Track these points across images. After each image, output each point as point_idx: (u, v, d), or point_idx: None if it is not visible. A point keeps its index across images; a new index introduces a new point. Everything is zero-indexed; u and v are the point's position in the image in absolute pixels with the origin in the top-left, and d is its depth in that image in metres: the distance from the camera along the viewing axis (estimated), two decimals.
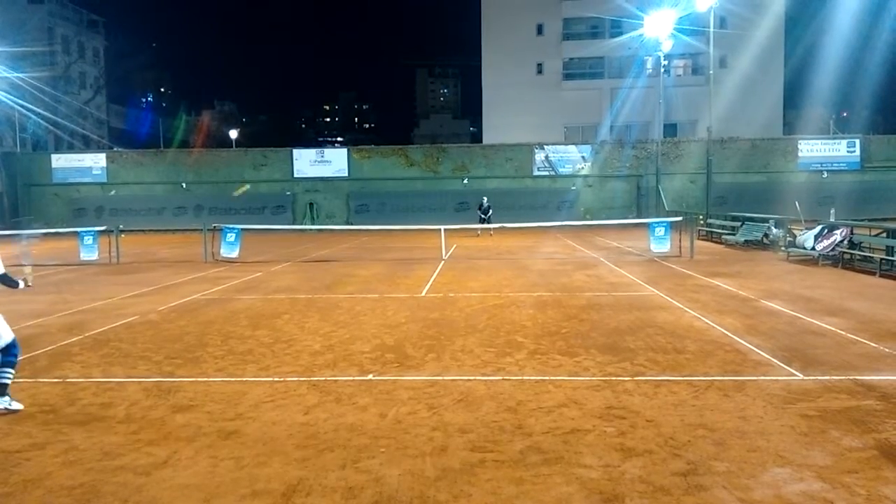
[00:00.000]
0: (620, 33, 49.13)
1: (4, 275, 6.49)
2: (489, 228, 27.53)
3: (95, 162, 40.08)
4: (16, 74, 41.10)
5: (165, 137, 67.17)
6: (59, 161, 40.25)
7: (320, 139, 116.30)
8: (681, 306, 11.19)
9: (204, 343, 9.05)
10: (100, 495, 4.52)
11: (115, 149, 47.67)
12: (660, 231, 19.44)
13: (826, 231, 16.70)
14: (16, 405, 6.23)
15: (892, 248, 14.81)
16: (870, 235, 16.13)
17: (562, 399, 6.34)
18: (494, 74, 52.49)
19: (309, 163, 39.27)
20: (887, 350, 8.00)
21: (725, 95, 41.98)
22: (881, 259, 14.73)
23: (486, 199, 29.90)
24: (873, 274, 14.52)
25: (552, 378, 7.05)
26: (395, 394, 6.60)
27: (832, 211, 24.52)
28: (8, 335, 6.23)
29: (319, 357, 8.18)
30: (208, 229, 20.77)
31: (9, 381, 6.21)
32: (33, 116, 45.33)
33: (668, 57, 41.52)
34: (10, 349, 6.25)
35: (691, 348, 8.25)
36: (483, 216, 28.82)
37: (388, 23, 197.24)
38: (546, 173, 38.49)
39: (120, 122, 66.82)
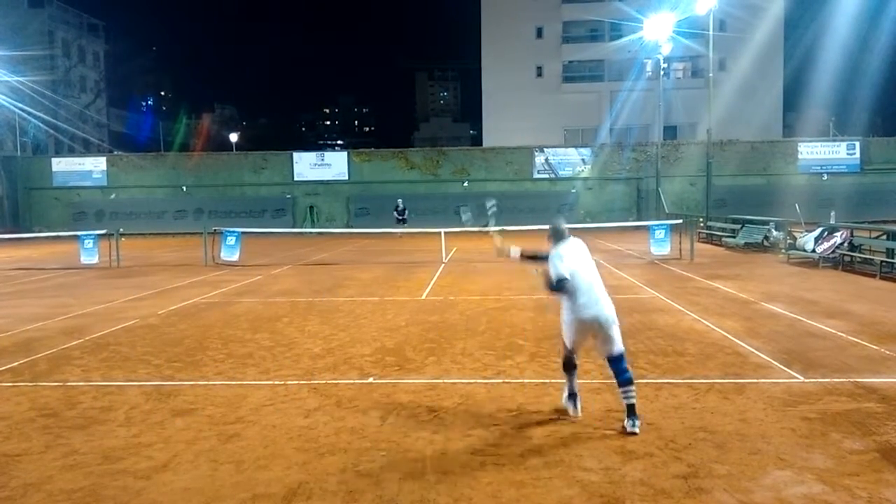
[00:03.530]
0: (620, 36, 49.16)
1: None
2: (403, 231, 28.33)
3: (96, 165, 40.05)
4: (16, 78, 41.13)
5: (166, 141, 67.23)
6: (60, 165, 40.23)
7: (320, 142, 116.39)
8: (681, 309, 11.19)
9: (204, 346, 9.05)
10: (100, 499, 4.52)
11: (115, 152, 47.67)
12: (660, 234, 19.44)
13: (826, 233, 16.69)
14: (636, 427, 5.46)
15: (893, 250, 14.82)
16: (870, 238, 16.12)
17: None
18: (494, 77, 52.54)
19: (309, 166, 39.26)
20: (888, 352, 7.99)
21: (725, 98, 42.02)
22: (881, 261, 14.72)
23: (400, 200, 31.63)
24: (874, 276, 14.52)
25: (553, 381, 7.04)
26: (395, 397, 6.60)
27: (832, 213, 24.53)
28: (620, 345, 5.55)
29: (320, 360, 8.18)
30: (208, 233, 20.78)
31: (634, 401, 5.51)
32: (34, 120, 45.36)
33: (667, 60, 41.53)
34: (619, 361, 5.52)
35: (692, 351, 8.25)
36: (399, 217, 30.33)
37: (388, 26, 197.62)
38: (546, 176, 38.48)
39: (120, 126, 66.83)
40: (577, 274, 5.56)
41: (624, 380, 5.50)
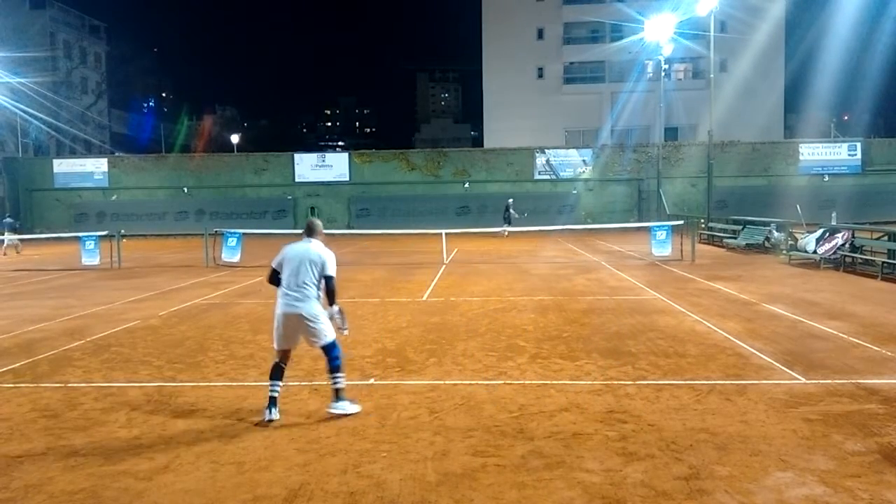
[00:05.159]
0: (621, 37, 49.19)
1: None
2: (510, 230, 27.93)
3: (97, 167, 40.09)
4: (18, 80, 41.15)
5: (167, 142, 67.35)
6: (61, 166, 40.28)
7: (321, 144, 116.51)
8: (682, 310, 11.18)
9: (205, 348, 9.05)
10: (101, 500, 4.52)
11: (116, 154, 47.70)
12: (661, 235, 19.42)
13: (827, 234, 16.68)
14: (353, 408, 6.11)
15: (894, 251, 14.80)
16: (871, 239, 16.12)
17: (563, 403, 6.33)
18: (495, 78, 52.57)
19: (310, 167, 39.28)
20: (889, 354, 7.99)
21: (726, 99, 42.02)
22: (883, 262, 14.71)
23: (511, 200, 30.99)
24: (875, 277, 14.50)
25: (554, 382, 7.04)
26: (396, 398, 6.60)
27: (833, 214, 24.54)
28: (331, 334, 6.06)
29: (321, 361, 8.11)
30: (210, 234, 20.78)
31: (343, 386, 6.09)
32: (35, 122, 45.41)
33: (668, 61, 41.59)
34: (331, 350, 6.06)
35: (693, 352, 8.24)
36: (516, 214, 29.76)
37: (389, 27, 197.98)
38: (547, 177, 38.48)
39: (121, 127, 66.89)
40: (287, 270, 6.06)
41: (333, 367, 6.05)
